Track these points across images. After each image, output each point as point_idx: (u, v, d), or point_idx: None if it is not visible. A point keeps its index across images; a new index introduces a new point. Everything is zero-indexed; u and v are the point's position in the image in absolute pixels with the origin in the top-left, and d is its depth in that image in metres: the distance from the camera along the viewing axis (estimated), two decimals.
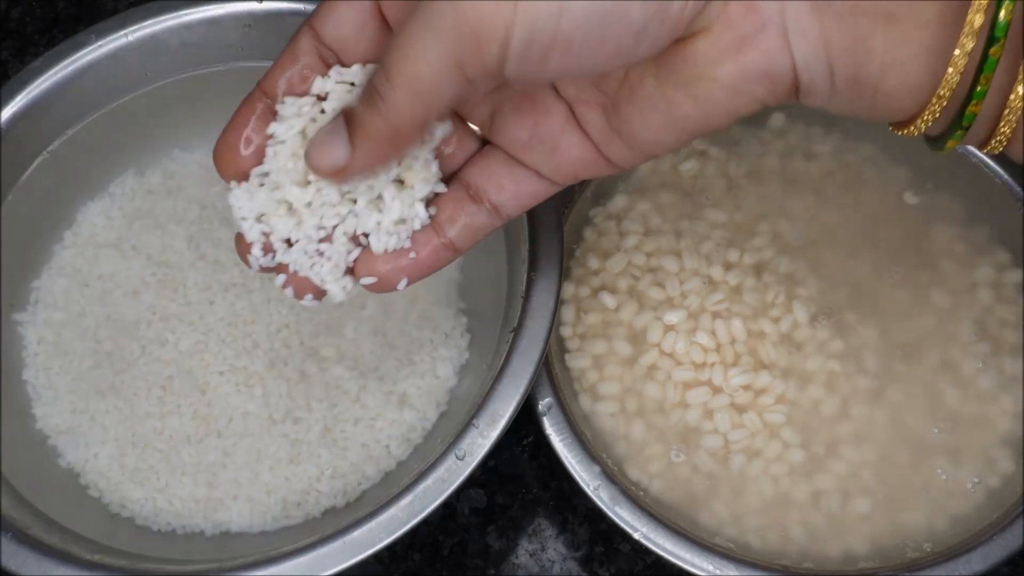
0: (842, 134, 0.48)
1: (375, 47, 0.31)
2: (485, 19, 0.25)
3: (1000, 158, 0.46)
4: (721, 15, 0.27)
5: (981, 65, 0.26)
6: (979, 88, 0.26)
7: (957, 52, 0.25)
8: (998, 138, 0.27)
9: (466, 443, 0.37)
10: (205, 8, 0.45)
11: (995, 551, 0.39)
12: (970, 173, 0.46)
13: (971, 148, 0.46)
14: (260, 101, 0.32)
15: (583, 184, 0.47)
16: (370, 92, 0.28)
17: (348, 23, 0.31)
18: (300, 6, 0.45)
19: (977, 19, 0.25)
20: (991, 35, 0.25)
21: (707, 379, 0.43)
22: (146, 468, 0.42)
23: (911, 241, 0.46)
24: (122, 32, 0.45)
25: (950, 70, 0.26)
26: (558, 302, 0.39)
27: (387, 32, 0.31)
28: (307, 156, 0.30)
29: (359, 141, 0.28)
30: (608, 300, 0.45)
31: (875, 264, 0.45)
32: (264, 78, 0.32)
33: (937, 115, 0.27)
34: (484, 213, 0.32)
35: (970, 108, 0.26)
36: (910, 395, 0.43)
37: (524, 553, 0.46)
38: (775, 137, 0.49)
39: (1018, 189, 0.45)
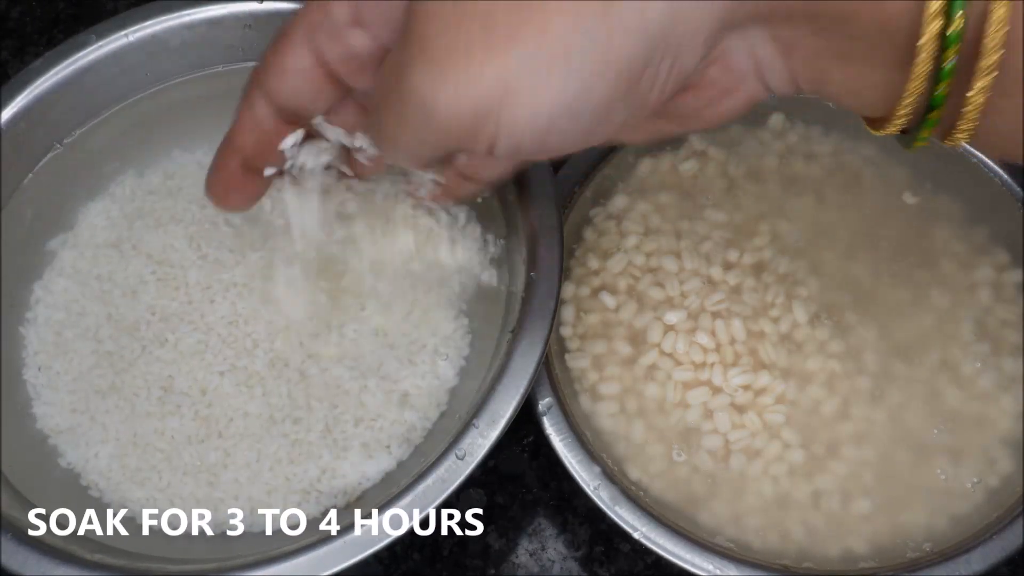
0: (842, 134, 0.48)
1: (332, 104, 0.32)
2: (464, 132, 0.26)
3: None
4: (702, 77, 0.28)
5: (931, 96, 0.26)
6: (930, 118, 0.27)
7: (906, 95, 0.26)
8: (958, 135, 0.27)
9: (466, 443, 0.37)
10: (206, 8, 0.45)
11: (995, 551, 0.39)
12: (969, 173, 0.46)
13: (970, 147, 0.46)
14: (233, 158, 0.33)
15: (583, 184, 0.47)
16: None
17: (303, 87, 0.31)
18: (300, 6, 0.44)
19: (922, 63, 0.26)
20: (936, 80, 0.26)
21: (707, 379, 0.43)
22: (147, 468, 0.42)
23: (911, 241, 0.46)
24: (123, 32, 0.45)
25: (901, 106, 0.27)
26: (558, 302, 0.39)
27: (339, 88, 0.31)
28: None
29: None
30: (608, 300, 0.45)
31: (875, 264, 0.45)
32: (233, 134, 0.32)
33: (898, 129, 0.28)
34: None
35: (929, 119, 0.27)
36: (910, 395, 0.43)
37: (524, 553, 0.46)
38: (774, 137, 0.49)
39: (1017, 189, 0.46)
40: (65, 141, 0.45)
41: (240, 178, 0.33)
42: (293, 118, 0.32)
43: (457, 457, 0.36)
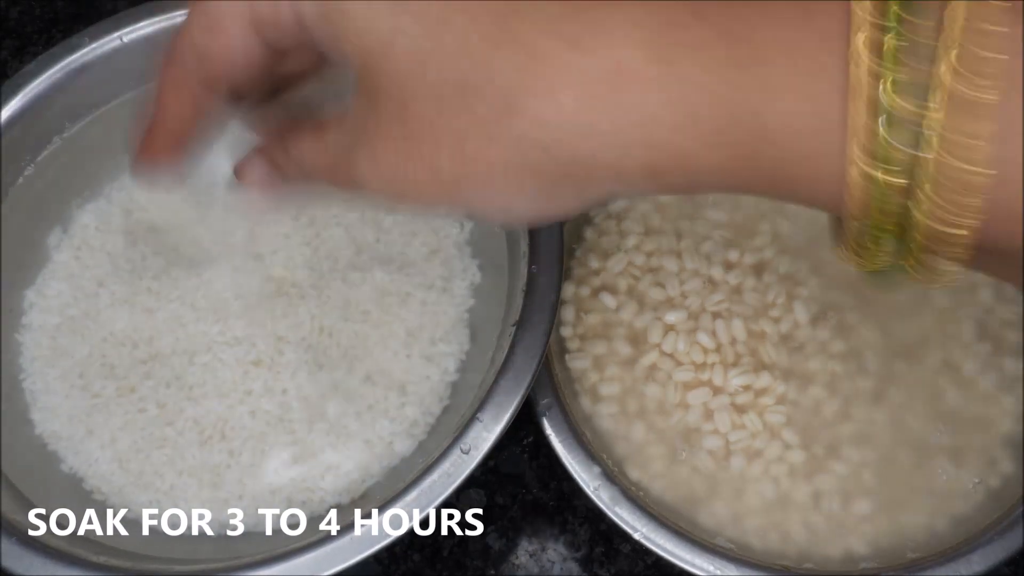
0: None
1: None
2: None
3: None
4: None
5: None
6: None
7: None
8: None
9: (471, 437, 0.37)
10: None
11: (996, 551, 0.39)
12: None
13: None
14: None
15: None
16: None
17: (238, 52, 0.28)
18: None
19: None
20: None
21: (707, 379, 0.43)
22: (150, 471, 0.42)
23: None
24: (116, 34, 0.45)
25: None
26: (559, 294, 0.39)
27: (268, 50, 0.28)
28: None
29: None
30: (608, 300, 0.45)
31: None
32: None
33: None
34: None
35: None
36: (911, 395, 0.43)
37: (524, 553, 0.46)
38: None
39: None
40: (60, 144, 0.45)
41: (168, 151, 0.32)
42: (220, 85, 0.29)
43: (462, 451, 0.36)
